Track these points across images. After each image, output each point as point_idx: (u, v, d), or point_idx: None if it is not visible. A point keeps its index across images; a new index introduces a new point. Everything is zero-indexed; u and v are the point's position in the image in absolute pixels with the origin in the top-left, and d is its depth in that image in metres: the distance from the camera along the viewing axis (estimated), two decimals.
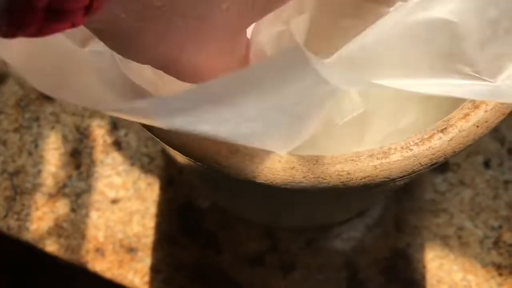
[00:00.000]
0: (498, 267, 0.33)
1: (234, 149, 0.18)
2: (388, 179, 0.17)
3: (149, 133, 0.18)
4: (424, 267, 0.34)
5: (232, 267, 0.34)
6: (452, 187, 0.35)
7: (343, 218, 0.34)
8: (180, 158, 0.23)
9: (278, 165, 0.17)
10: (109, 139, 0.37)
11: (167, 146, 0.24)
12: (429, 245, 0.34)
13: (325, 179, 0.17)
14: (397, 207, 0.35)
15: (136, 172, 0.36)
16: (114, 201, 0.35)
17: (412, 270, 0.34)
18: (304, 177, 0.17)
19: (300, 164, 0.17)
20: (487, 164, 0.35)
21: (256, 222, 0.35)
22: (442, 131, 0.17)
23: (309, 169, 0.17)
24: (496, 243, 0.34)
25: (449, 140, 0.17)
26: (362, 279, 0.34)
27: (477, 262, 0.34)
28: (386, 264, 0.34)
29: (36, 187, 0.36)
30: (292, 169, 0.17)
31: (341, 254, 0.35)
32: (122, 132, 0.37)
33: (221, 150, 0.18)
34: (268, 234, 0.35)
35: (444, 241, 0.34)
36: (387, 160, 0.17)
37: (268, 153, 0.18)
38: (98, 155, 0.36)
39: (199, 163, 0.18)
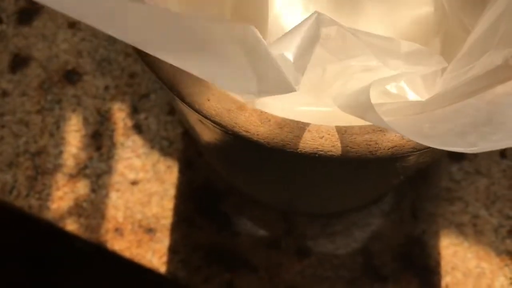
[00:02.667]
0: None
1: (263, 117, 0.18)
2: (414, 150, 0.18)
3: (185, 106, 0.19)
4: (439, 254, 0.34)
5: (248, 249, 0.35)
6: (468, 176, 0.35)
7: (360, 203, 0.34)
8: (206, 133, 0.24)
9: (308, 134, 0.18)
10: (129, 122, 0.37)
11: (194, 125, 0.24)
12: (444, 233, 0.34)
13: (353, 148, 0.18)
14: (413, 195, 0.35)
15: (155, 155, 0.37)
16: (134, 183, 0.36)
17: (427, 257, 0.34)
18: (333, 146, 0.18)
19: (329, 134, 0.18)
20: (503, 154, 0.36)
21: (273, 206, 0.35)
22: None
23: (337, 138, 0.18)
24: (511, 232, 0.34)
25: None
26: (377, 265, 0.35)
27: (492, 250, 0.34)
28: (401, 251, 0.35)
29: (57, 167, 0.37)
30: (321, 138, 0.18)
31: (357, 240, 0.35)
32: (142, 116, 0.37)
33: (251, 119, 0.18)
34: (284, 218, 0.36)
35: (459, 229, 0.34)
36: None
37: (297, 123, 0.18)
38: (119, 137, 0.37)
39: (229, 133, 0.19)
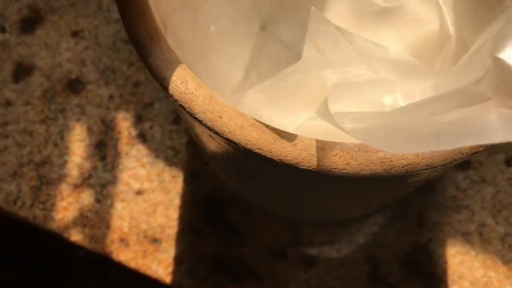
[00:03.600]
0: None
1: (277, 134, 0.18)
2: (429, 167, 0.17)
3: (192, 119, 0.19)
4: (445, 262, 0.34)
5: (254, 259, 0.35)
6: (474, 184, 0.35)
7: (367, 212, 0.34)
8: (215, 147, 0.23)
9: (321, 152, 0.18)
10: (134, 132, 0.37)
11: (201, 136, 0.24)
12: (451, 241, 0.34)
13: (367, 166, 0.18)
14: (419, 203, 0.35)
15: (160, 164, 0.36)
16: (139, 192, 0.36)
17: (433, 265, 0.34)
18: (347, 164, 0.18)
19: (343, 151, 0.18)
20: (508, 163, 0.36)
21: (279, 215, 0.35)
22: None
23: (352, 156, 0.18)
24: None
25: None
26: (383, 274, 0.35)
27: (499, 259, 0.34)
28: (407, 259, 0.35)
29: (61, 177, 0.36)
30: (335, 156, 0.18)
31: (363, 249, 0.35)
32: (147, 125, 0.37)
33: (264, 136, 0.18)
34: (290, 227, 0.35)
35: (466, 237, 0.34)
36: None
37: (310, 140, 0.18)
38: (123, 147, 0.37)
39: (242, 150, 0.19)
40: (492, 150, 0.36)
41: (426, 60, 0.25)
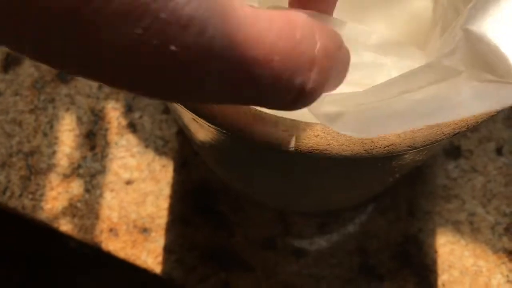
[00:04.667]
0: (509, 253, 0.34)
1: (257, 116, 0.18)
2: (411, 148, 0.17)
3: (179, 105, 0.19)
4: (435, 252, 0.34)
5: (244, 249, 0.35)
6: (464, 174, 0.35)
7: (356, 202, 0.34)
8: (200, 132, 0.23)
9: (302, 132, 0.18)
10: (123, 121, 0.37)
11: (188, 123, 0.24)
12: (441, 231, 0.34)
13: (348, 146, 0.17)
14: (409, 193, 0.35)
15: (150, 154, 0.36)
16: (128, 182, 0.36)
17: (424, 255, 0.34)
18: (328, 144, 0.17)
19: (324, 132, 0.18)
20: (499, 151, 0.35)
21: (269, 205, 0.35)
22: None
23: (333, 137, 0.17)
24: (508, 229, 0.34)
25: None
26: (373, 264, 0.34)
27: (488, 248, 0.34)
28: (397, 249, 0.34)
29: (51, 167, 0.36)
30: (316, 136, 0.18)
31: (353, 239, 0.35)
32: (136, 115, 0.37)
33: (245, 117, 0.18)
34: (280, 218, 0.35)
35: (456, 226, 0.34)
36: (411, 128, 0.17)
37: (292, 121, 0.18)
38: (113, 136, 0.37)
39: (223, 131, 0.18)
40: (482, 138, 0.36)
41: (421, 37, 0.25)
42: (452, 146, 0.36)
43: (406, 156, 0.19)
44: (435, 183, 0.35)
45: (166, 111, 0.37)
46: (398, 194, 0.35)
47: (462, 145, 0.35)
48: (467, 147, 0.36)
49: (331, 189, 0.27)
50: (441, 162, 0.35)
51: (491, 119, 0.18)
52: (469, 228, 0.34)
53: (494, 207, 0.34)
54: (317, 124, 0.18)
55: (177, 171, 0.36)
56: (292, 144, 0.18)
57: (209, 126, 0.19)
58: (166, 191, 0.35)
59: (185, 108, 0.19)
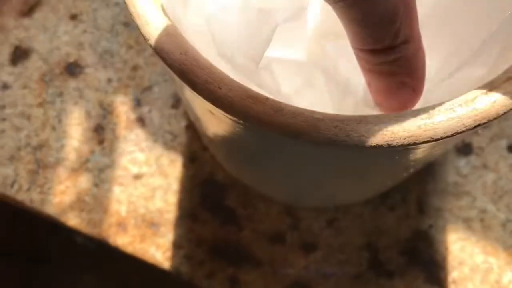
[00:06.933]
0: None
1: (276, 106, 0.18)
2: (431, 139, 0.17)
3: (195, 95, 0.18)
4: (446, 249, 0.34)
5: (253, 244, 0.35)
6: (475, 170, 0.35)
7: (366, 197, 0.34)
8: (215, 124, 0.23)
9: (321, 123, 0.17)
10: (132, 116, 0.37)
11: (202, 115, 0.24)
12: (451, 227, 0.34)
13: (368, 137, 0.17)
14: (420, 189, 0.35)
15: (159, 149, 0.36)
16: (137, 177, 0.36)
17: (434, 251, 0.34)
18: (347, 135, 0.17)
19: (343, 123, 0.17)
20: (510, 148, 0.35)
21: (278, 200, 0.35)
22: (486, 93, 0.17)
23: (352, 128, 0.17)
24: None
25: (493, 102, 0.17)
26: (383, 260, 0.34)
27: (499, 245, 0.34)
28: (407, 246, 0.34)
29: (59, 161, 0.36)
30: (335, 127, 0.17)
31: (362, 235, 0.35)
32: (145, 109, 0.37)
33: (265, 108, 0.18)
34: (289, 213, 0.35)
35: (467, 223, 0.34)
36: (431, 120, 0.17)
37: (311, 112, 0.18)
38: (121, 131, 0.37)
39: (240, 122, 0.18)
40: (493, 135, 0.35)
41: None
42: (464, 143, 0.35)
43: (424, 148, 0.19)
44: (446, 180, 0.35)
45: (175, 105, 0.37)
46: (408, 191, 0.35)
47: (473, 142, 0.35)
48: (478, 144, 0.35)
49: (344, 183, 0.27)
50: (452, 159, 0.35)
51: (503, 116, 0.18)
52: (480, 225, 0.34)
53: (505, 204, 0.34)
54: (336, 115, 0.18)
55: (186, 165, 0.36)
56: (311, 135, 0.17)
57: (225, 116, 0.19)
58: (175, 185, 0.35)
59: (202, 99, 0.18)
